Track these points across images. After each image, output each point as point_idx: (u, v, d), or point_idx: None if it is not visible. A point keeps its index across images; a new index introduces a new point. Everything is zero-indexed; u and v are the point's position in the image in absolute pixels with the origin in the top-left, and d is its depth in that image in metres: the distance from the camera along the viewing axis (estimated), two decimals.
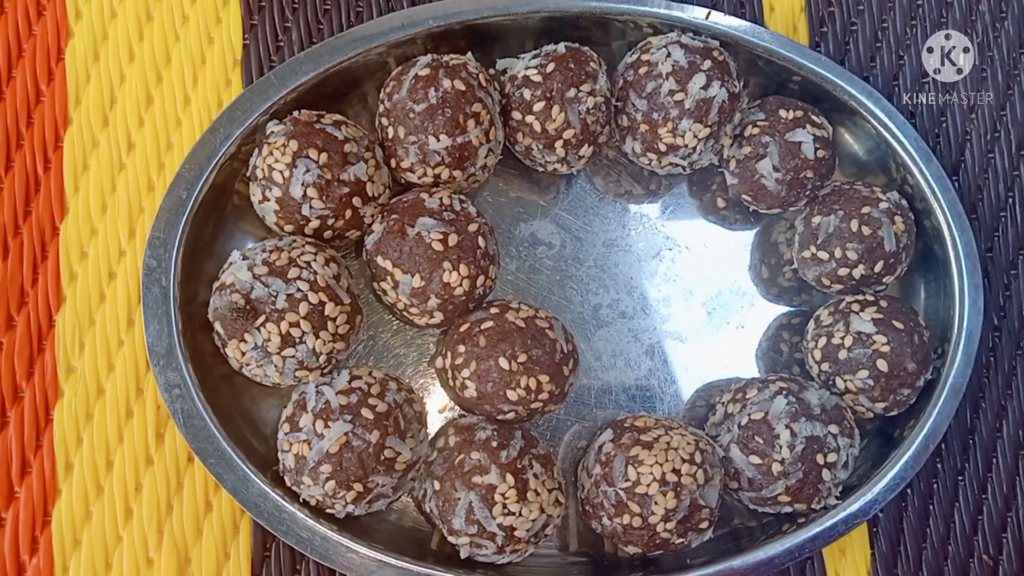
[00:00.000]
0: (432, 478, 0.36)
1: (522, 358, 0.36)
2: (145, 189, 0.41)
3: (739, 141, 0.41)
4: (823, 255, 0.40)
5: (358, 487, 0.35)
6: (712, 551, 0.39)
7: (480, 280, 0.37)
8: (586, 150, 0.40)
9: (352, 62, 0.39)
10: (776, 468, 0.37)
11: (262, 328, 0.35)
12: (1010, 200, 0.45)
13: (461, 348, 0.37)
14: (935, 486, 0.43)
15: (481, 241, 0.37)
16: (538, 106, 0.38)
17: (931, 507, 0.43)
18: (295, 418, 0.36)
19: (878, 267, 0.40)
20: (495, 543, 0.36)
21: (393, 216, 0.37)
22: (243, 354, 0.35)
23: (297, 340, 0.35)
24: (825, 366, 0.40)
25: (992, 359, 0.44)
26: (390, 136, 0.38)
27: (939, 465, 0.43)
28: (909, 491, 0.43)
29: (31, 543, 0.37)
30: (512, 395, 0.36)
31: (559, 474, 0.38)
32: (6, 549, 0.37)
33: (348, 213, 0.37)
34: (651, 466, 0.36)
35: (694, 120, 0.39)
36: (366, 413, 0.35)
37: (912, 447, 0.39)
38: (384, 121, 0.38)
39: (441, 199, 0.37)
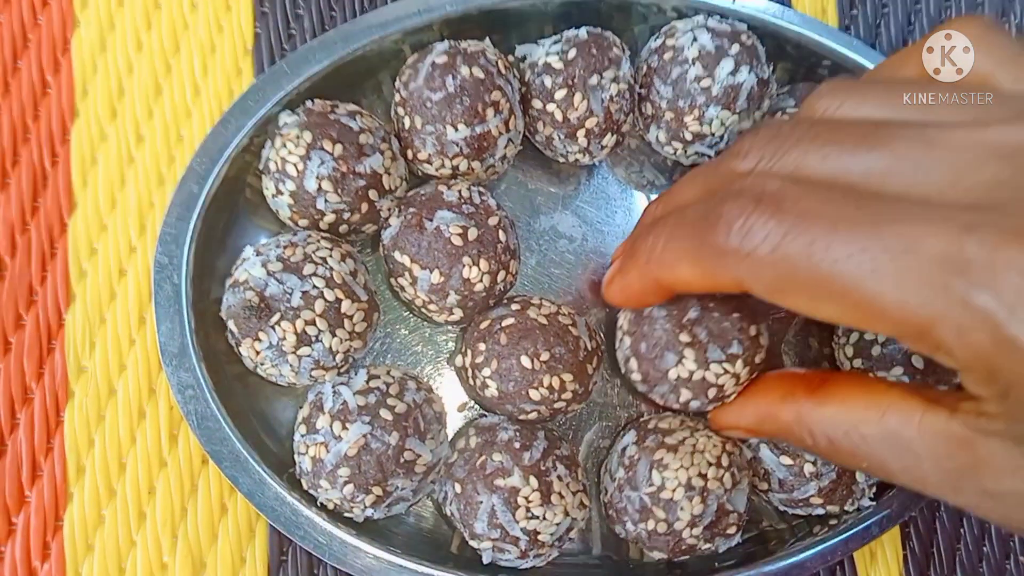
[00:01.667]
0: (453, 480, 0.35)
1: (545, 356, 0.35)
2: (155, 183, 0.40)
3: None
4: None
5: (377, 490, 0.34)
6: (740, 554, 0.38)
7: (501, 275, 0.36)
8: (609, 139, 0.38)
9: (366, 50, 0.38)
10: (808, 469, 0.36)
11: (277, 326, 0.34)
12: None
13: (481, 346, 0.36)
14: None
15: (502, 235, 0.36)
16: (560, 94, 0.37)
17: None
18: (312, 419, 0.35)
19: None
20: (518, 547, 0.35)
21: (411, 210, 0.36)
22: (257, 353, 0.34)
23: (313, 338, 0.34)
24: (857, 362, 0.39)
25: None
26: (406, 126, 0.37)
27: None
28: None
29: (43, 549, 0.36)
30: (535, 394, 0.35)
31: (583, 475, 0.37)
32: (17, 555, 0.36)
33: (364, 207, 0.36)
34: (676, 470, 0.35)
35: (722, 107, 0.37)
36: (385, 414, 0.34)
37: None
38: (400, 111, 0.37)
39: (460, 191, 0.36)
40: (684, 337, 0.34)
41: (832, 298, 0.24)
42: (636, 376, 0.36)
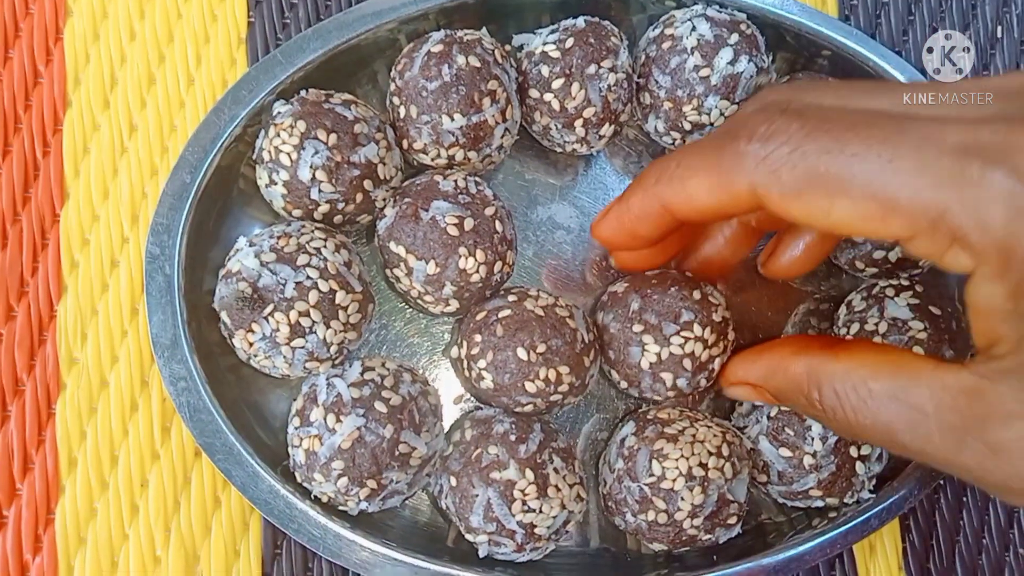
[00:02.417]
0: (448, 473, 0.35)
1: (541, 348, 0.34)
2: (148, 173, 0.39)
3: None
4: (858, 237, 0.38)
5: (371, 484, 0.33)
6: (739, 547, 0.37)
7: (497, 266, 0.36)
8: (607, 129, 0.38)
9: (361, 39, 0.38)
10: (808, 461, 0.36)
11: (270, 318, 0.33)
12: None
13: (477, 337, 0.35)
14: None
15: (498, 225, 0.36)
16: (557, 83, 0.37)
17: (964, 499, 0.41)
18: (305, 412, 0.34)
19: None
20: (515, 541, 0.34)
21: (406, 200, 0.35)
22: (251, 345, 0.34)
23: (307, 330, 0.34)
24: None
25: None
26: (402, 116, 0.36)
27: None
28: (942, 482, 0.41)
29: (34, 542, 0.36)
30: (531, 387, 0.35)
31: (580, 468, 0.37)
32: (8, 548, 0.36)
33: (359, 197, 0.35)
34: (676, 460, 0.35)
35: (721, 97, 0.37)
36: (379, 406, 0.34)
37: None
38: (395, 100, 0.37)
39: (456, 181, 0.36)
40: (637, 327, 0.36)
41: (848, 194, 0.25)
42: (623, 383, 0.37)
